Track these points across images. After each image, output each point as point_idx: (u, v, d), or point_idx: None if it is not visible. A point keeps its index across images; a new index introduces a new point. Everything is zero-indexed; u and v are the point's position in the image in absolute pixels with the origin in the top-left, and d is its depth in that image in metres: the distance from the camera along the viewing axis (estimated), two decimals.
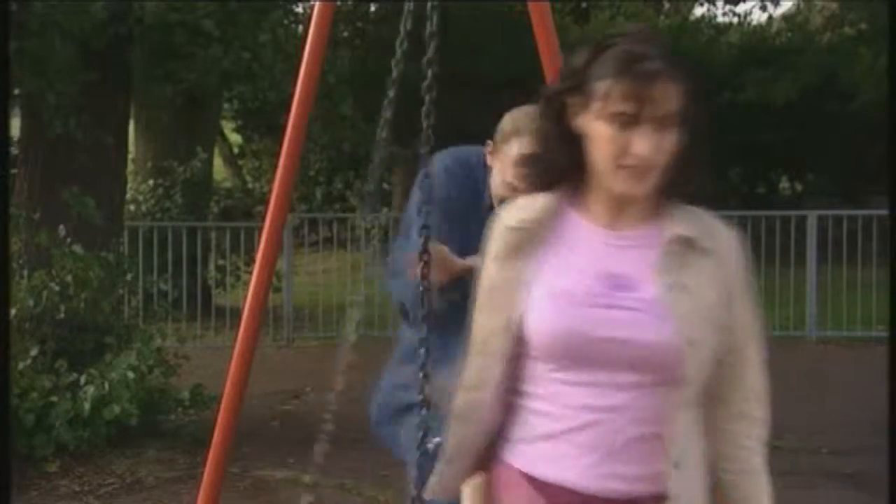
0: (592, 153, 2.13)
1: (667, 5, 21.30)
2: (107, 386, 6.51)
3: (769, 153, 17.11)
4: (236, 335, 3.93)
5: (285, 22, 9.28)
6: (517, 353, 2.17)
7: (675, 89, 2.07)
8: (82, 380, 6.57)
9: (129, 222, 10.44)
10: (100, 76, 7.48)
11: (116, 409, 6.46)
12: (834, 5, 18.28)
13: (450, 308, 2.84)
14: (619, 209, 2.17)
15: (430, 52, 2.63)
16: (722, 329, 2.12)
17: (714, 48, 17.83)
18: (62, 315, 6.94)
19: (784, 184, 19.09)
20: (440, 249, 2.95)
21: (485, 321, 2.22)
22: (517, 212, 2.23)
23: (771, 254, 10.93)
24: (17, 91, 7.22)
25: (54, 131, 7.26)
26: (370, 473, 6.26)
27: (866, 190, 16.24)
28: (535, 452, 2.16)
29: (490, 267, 2.22)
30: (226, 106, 14.68)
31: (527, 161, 2.42)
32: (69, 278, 7.00)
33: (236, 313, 9.10)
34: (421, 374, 2.52)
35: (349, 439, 7.17)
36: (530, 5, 3.78)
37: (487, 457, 2.27)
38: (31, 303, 6.88)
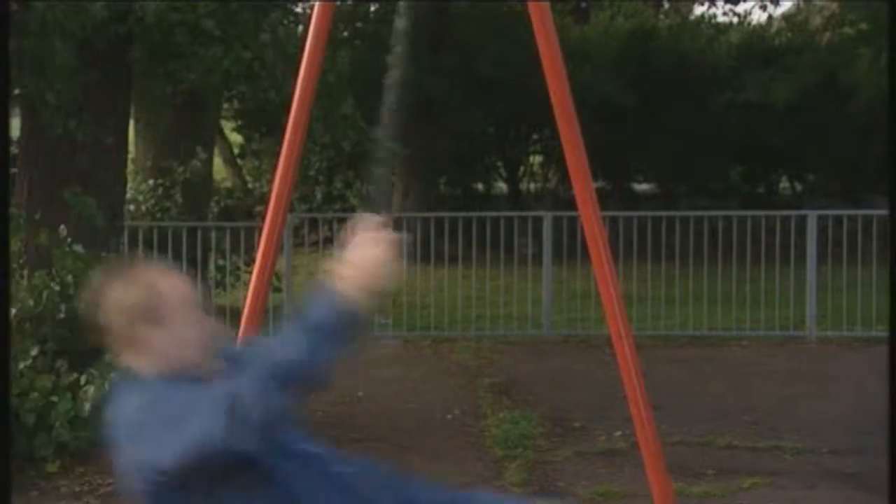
0: None
1: (667, 5, 21.30)
2: (107, 386, 6.50)
3: (769, 153, 17.10)
4: (236, 335, 3.93)
5: (285, 22, 9.27)
6: None
7: None
8: (82, 380, 6.56)
9: (129, 222, 10.42)
10: (100, 76, 7.48)
11: None
12: (834, 5, 18.26)
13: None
14: None
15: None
16: None
17: (714, 48, 17.80)
18: (62, 315, 6.94)
19: (784, 184, 19.07)
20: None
21: None
22: None
23: (771, 254, 10.92)
24: (17, 91, 7.22)
25: (54, 131, 7.26)
26: None
27: (866, 190, 16.23)
28: None
29: None
30: (226, 106, 14.66)
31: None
32: (69, 278, 6.99)
33: (236, 313, 9.07)
34: None
35: (349, 439, 7.17)
36: (530, 5, 3.79)
37: None
38: (31, 303, 6.88)
